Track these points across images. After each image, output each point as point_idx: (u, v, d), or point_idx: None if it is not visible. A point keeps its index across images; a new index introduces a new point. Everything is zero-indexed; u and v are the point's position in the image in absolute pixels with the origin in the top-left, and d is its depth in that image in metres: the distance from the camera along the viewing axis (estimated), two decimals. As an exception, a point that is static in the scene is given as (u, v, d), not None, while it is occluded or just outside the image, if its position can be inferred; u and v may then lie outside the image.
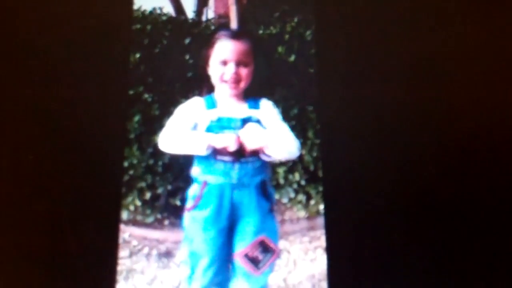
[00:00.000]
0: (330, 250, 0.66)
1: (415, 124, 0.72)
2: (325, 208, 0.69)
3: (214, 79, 0.68)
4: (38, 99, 0.71)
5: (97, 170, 0.68)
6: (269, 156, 0.66)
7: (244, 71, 0.67)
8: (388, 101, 0.73)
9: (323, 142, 0.71)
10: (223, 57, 0.67)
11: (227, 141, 0.65)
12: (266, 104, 0.69)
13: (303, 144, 0.74)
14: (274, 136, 0.66)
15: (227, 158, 0.66)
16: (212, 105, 0.68)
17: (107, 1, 0.76)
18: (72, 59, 0.73)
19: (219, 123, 0.67)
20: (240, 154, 0.66)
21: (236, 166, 0.66)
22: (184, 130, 0.67)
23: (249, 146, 0.65)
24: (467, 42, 0.76)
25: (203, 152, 0.65)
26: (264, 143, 0.65)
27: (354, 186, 0.69)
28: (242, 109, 0.68)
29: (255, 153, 0.66)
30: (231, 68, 0.67)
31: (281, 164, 0.74)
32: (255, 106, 0.68)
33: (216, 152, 0.66)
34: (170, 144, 0.66)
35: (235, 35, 0.68)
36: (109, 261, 0.65)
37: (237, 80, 0.67)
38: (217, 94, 0.69)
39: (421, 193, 0.69)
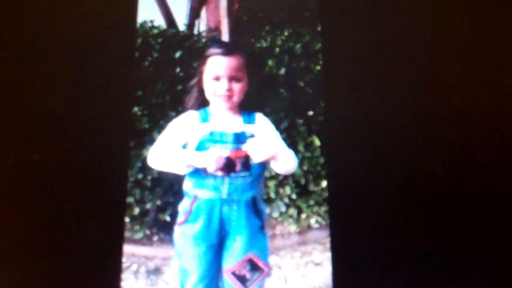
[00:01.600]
0: (336, 260, 0.65)
1: (420, 130, 0.72)
2: (330, 217, 0.68)
3: (208, 94, 0.68)
4: (41, 102, 0.71)
5: (101, 174, 0.68)
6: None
7: (237, 86, 0.67)
8: (394, 108, 0.72)
9: (328, 150, 0.71)
10: (216, 73, 0.67)
11: (207, 161, 0.64)
12: (261, 119, 0.69)
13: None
14: (281, 148, 0.66)
15: (217, 173, 0.65)
16: (206, 118, 0.68)
17: (110, 15, 0.76)
18: (71, 65, 0.73)
19: (212, 137, 0.66)
20: (230, 169, 0.65)
21: (226, 181, 0.65)
22: (169, 148, 0.66)
23: (256, 159, 0.64)
24: (474, 45, 0.76)
25: (183, 171, 0.65)
26: (272, 155, 0.65)
27: (359, 195, 0.68)
28: (236, 124, 0.68)
29: (247, 168, 0.65)
30: (223, 84, 0.67)
31: (272, 178, 0.74)
32: (250, 120, 0.68)
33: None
34: (155, 161, 0.66)
35: (227, 51, 0.68)
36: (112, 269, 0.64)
37: (230, 95, 0.67)
38: (212, 108, 0.68)
39: (429, 201, 0.68)
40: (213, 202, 0.65)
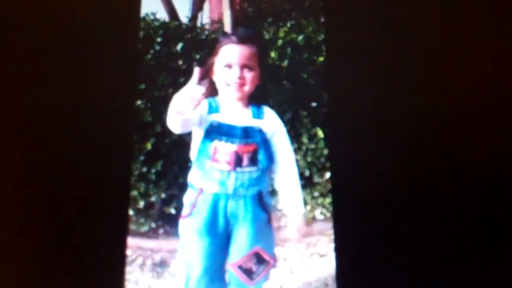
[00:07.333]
0: (339, 253, 0.66)
1: (421, 125, 0.72)
2: (334, 208, 0.68)
3: (219, 82, 0.67)
4: (44, 96, 0.71)
5: (105, 168, 0.68)
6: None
7: (249, 75, 0.67)
8: (397, 99, 0.72)
9: (331, 142, 0.71)
10: (228, 60, 0.67)
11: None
12: (270, 114, 0.68)
13: (297, 150, 0.74)
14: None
15: (224, 167, 0.65)
16: (215, 109, 0.67)
17: (113, 7, 0.76)
18: (74, 59, 0.73)
19: (219, 129, 0.66)
20: (237, 163, 0.65)
21: (233, 175, 0.65)
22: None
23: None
24: (474, 42, 0.76)
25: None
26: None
27: (363, 186, 0.68)
28: (245, 117, 0.67)
29: (254, 163, 0.65)
30: (236, 71, 0.66)
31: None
32: (259, 115, 0.68)
33: (213, 160, 0.65)
34: (175, 112, 0.63)
35: (241, 40, 0.67)
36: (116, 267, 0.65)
37: (242, 83, 0.66)
38: (221, 98, 0.68)
39: (431, 193, 0.68)
40: (218, 196, 0.65)
